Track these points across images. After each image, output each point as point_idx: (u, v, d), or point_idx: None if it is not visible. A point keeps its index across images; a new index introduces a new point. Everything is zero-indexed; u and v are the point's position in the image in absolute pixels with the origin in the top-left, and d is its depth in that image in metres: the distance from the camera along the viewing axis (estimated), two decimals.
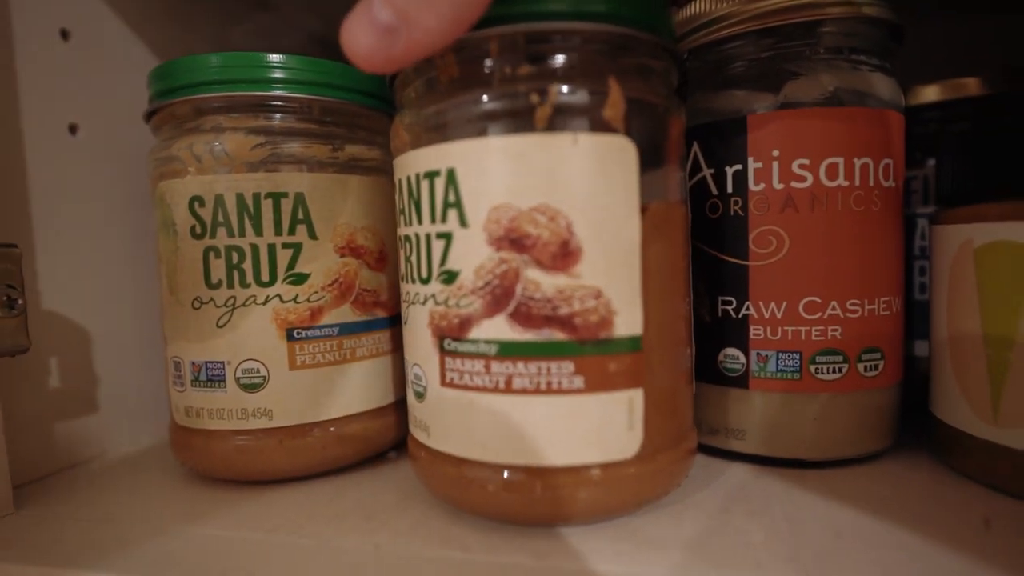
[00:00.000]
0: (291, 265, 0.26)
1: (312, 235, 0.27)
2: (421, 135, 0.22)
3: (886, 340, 0.26)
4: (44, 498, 0.27)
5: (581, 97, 0.20)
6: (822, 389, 0.25)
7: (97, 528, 0.24)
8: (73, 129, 0.31)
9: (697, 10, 0.27)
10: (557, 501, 0.21)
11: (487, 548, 0.21)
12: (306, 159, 0.27)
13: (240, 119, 0.26)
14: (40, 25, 0.30)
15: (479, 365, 0.21)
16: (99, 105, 0.32)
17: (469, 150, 0.20)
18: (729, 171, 0.26)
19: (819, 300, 0.25)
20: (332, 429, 0.27)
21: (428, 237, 0.22)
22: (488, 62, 0.21)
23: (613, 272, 0.20)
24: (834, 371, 0.25)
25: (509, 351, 0.20)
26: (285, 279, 0.26)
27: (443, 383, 0.22)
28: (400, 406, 0.30)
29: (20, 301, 0.25)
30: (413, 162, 0.22)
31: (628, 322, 0.20)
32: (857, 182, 0.25)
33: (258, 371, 0.26)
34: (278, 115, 0.27)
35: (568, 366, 0.20)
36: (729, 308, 0.26)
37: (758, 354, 0.26)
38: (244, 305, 0.26)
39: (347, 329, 0.27)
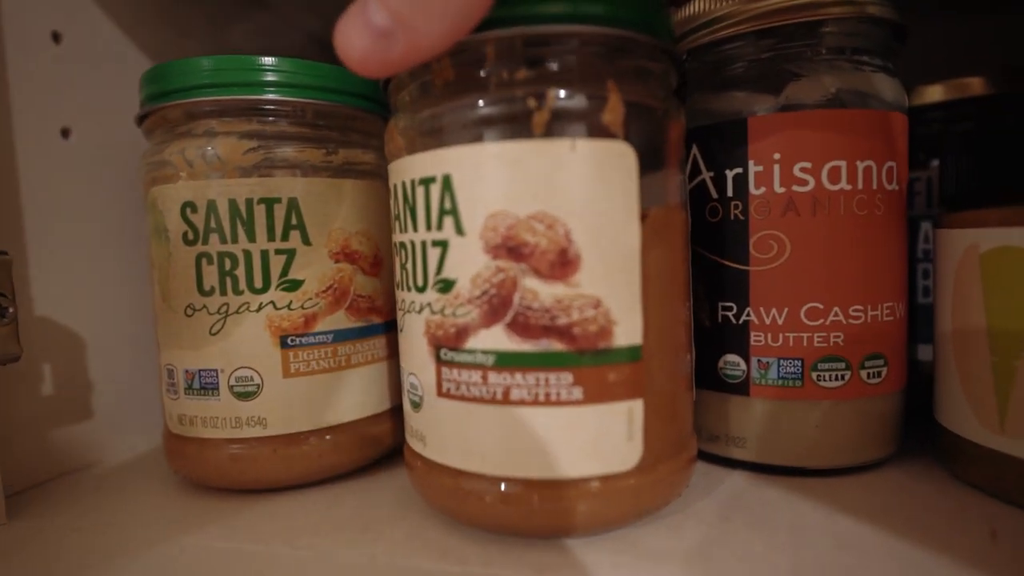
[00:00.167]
0: (285, 271, 0.26)
1: (306, 241, 0.26)
2: (416, 140, 0.22)
3: (889, 346, 0.25)
4: (38, 508, 0.27)
5: (579, 102, 0.20)
6: (824, 396, 0.25)
7: (91, 539, 0.24)
8: (65, 133, 0.31)
9: (696, 10, 0.27)
10: (556, 513, 0.20)
11: (485, 560, 0.21)
12: (299, 163, 0.26)
13: (232, 123, 0.26)
14: (31, 28, 0.29)
15: (476, 376, 0.20)
16: (92, 109, 0.32)
17: (465, 156, 0.20)
18: (729, 174, 0.26)
19: (821, 306, 0.25)
20: (328, 437, 0.27)
21: (424, 245, 0.21)
22: (484, 66, 0.20)
23: (612, 281, 0.20)
24: (836, 378, 0.25)
25: (507, 361, 0.20)
26: (279, 286, 0.26)
27: (440, 393, 0.21)
28: (396, 413, 0.29)
29: (11, 309, 0.24)
30: (408, 167, 0.22)
31: (628, 331, 0.20)
32: (860, 185, 0.25)
33: (252, 379, 0.26)
34: (271, 119, 0.26)
35: (567, 377, 0.20)
36: (729, 314, 0.26)
37: (759, 361, 0.25)
38: (237, 312, 0.26)
39: (342, 336, 0.27)
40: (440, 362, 0.21)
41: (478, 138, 0.20)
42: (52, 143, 0.30)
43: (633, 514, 0.21)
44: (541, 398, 0.20)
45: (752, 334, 0.26)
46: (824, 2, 0.24)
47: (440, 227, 0.21)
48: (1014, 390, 0.22)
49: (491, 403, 0.20)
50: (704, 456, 0.28)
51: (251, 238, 0.25)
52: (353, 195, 0.27)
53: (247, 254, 0.25)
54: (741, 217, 0.25)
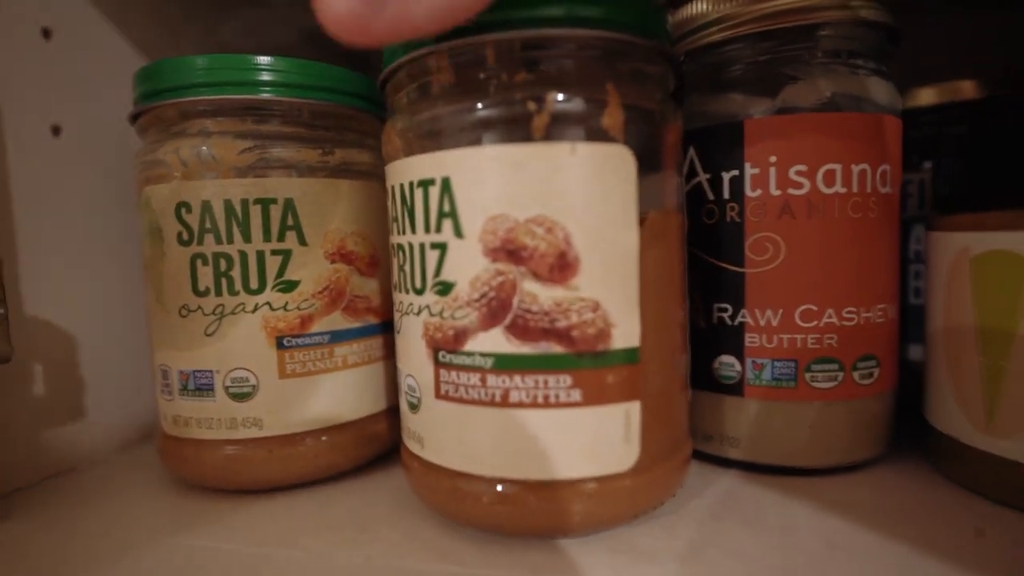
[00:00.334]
0: (281, 272, 0.26)
1: (302, 241, 0.26)
2: (414, 142, 0.22)
3: (881, 347, 0.26)
4: (31, 509, 0.26)
5: (579, 105, 0.20)
6: (817, 397, 0.25)
7: (85, 540, 0.24)
8: (56, 130, 0.30)
9: (693, 12, 0.27)
10: (553, 514, 0.21)
11: (482, 561, 0.21)
12: (295, 164, 0.26)
13: (227, 123, 0.26)
14: (21, 24, 0.29)
15: (475, 378, 0.20)
16: (83, 106, 0.31)
17: (465, 159, 0.20)
18: (726, 176, 0.26)
19: (815, 308, 0.25)
20: (324, 438, 0.27)
21: (422, 247, 0.21)
22: (484, 69, 0.20)
23: (611, 284, 0.20)
24: (830, 379, 0.25)
25: (505, 364, 0.20)
26: (275, 286, 0.26)
27: (438, 395, 0.21)
28: (392, 413, 0.29)
29: (1, 309, 0.24)
30: (406, 169, 0.22)
31: (626, 334, 0.20)
32: (855, 189, 0.25)
33: (247, 380, 0.26)
34: (267, 119, 0.26)
35: (565, 379, 0.20)
36: (725, 315, 0.26)
37: (754, 362, 0.26)
38: (233, 313, 0.25)
39: (338, 336, 0.27)
40: (438, 364, 0.21)
41: (477, 141, 0.20)
42: (43, 141, 0.30)
43: (629, 514, 0.22)
44: (540, 400, 0.20)
45: (747, 335, 0.26)
46: (820, 6, 0.25)
47: (439, 229, 0.21)
48: (1002, 391, 0.22)
49: (490, 405, 0.20)
50: (698, 456, 0.28)
51: (247, 239, 0.25)
52: (349, 196, 0.27)
53: (243, 255, 0.25)
54: (737, 219, 0.26)
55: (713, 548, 0.21)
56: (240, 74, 0.26)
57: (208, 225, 0.25)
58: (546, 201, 0.19)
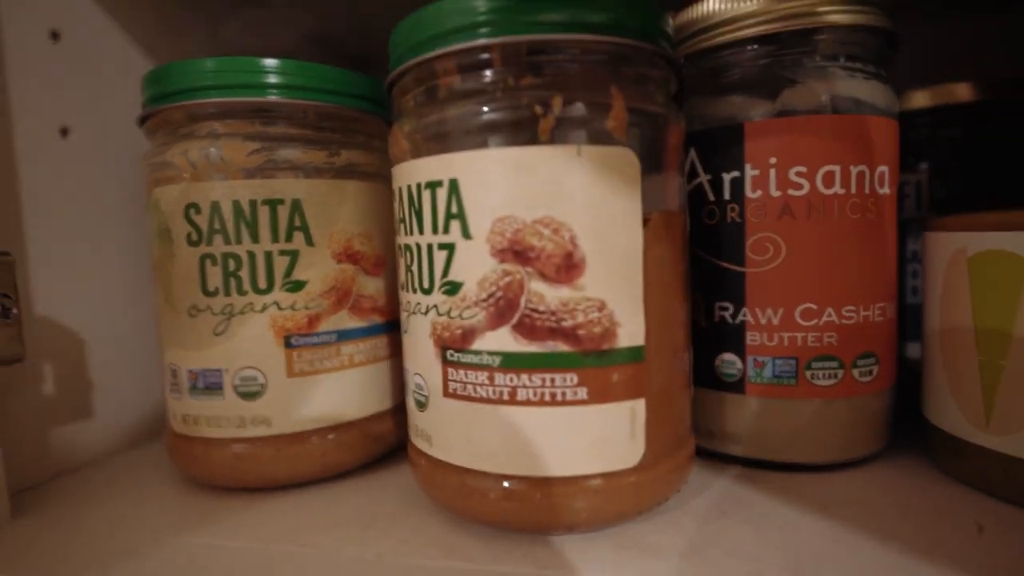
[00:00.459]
0: (288, 272, 0.26)
1: (309, 242, 0.26)
2: (421, 144, 0.22)
3: (880, 345, 0.26)
4: (41, 507, 0.27)
5: (584, 108, 0.20)
6: (818, 395, 0.26)
7: (96, 538, 0.24)
8: (64, 132, 0.31)
9: (694, 16, 0.27)
10: (559, 511, 0.21)
11: (489, 557, 0.21)
12: (303, 165, 0.26)
13: (236, 125, 0.26)
14: (30, 26, 0.29)
15: (483, 376, 0.21)
16: (91, 107, 0.32)
17: (472, 161, 0.20)
18: (726, 178, 0.26)
19: (815, 307, 0.25)
20: (331, 436, 0.27)
21: (430, 247, 0.22)
22: (490, 72, 0.21)
23: (616, 284, 0.20)
24: (830, 377, 0.26)
25: (513, 363, 0.20)
26: (283, 286, 0.26)
27: (446, 393, 0.22)
28: (398, 411, 0.30)
29: (15, 310, 0.24)
30: (414, 171, 0.22)
31: (631, 333, 0.21)
32: (853, 190, 0.25)
33: (256, 379, 0.26)
34: (274, 121, 0.26)
35: (572, 377, 0.20)
36: (726, 314, 0.27)
37: (755, 360, 0.26)
38: (241, 313, 0.26)
39: (345, 335, 0.27)
40: (446, 363, 0.22)
41: (484, 143, 0.21)
42: (51, 142, 0.30)
43: (634, 511, 0.22)
44: (547, 398, 0.20)
45: (748, 334, 0.26)
46: (819, 11, 0.25)
47: (447, 230, 0.21)
48: (1000, 389, 0.23)
49: (497, 403, 0.21)
50: (701, 452, 0.28)
51: (255, 239, 0.26)
52: (355, 196, 0.28)
53: (251, 255, 0.26)
54: (738, 220, 0.26)
55: (717, 544, 0.21)
56: (248, 76, 0.26)
57: (217, 226, 0.26)
58: (553, 203, 0.20)
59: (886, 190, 0.26)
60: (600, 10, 0.20)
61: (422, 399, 0.23)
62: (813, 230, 0.25)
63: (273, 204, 0.26)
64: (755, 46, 0.26)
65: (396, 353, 0.30)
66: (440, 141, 0.21)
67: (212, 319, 0.26)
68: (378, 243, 0.29)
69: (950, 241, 0.25)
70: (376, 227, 0.29)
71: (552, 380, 0.20)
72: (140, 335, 0.34)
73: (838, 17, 0.25)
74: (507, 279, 0.20)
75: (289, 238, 0.26)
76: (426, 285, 0.22)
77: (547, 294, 0.20)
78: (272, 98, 0.26)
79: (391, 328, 0.29)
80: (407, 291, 0.23)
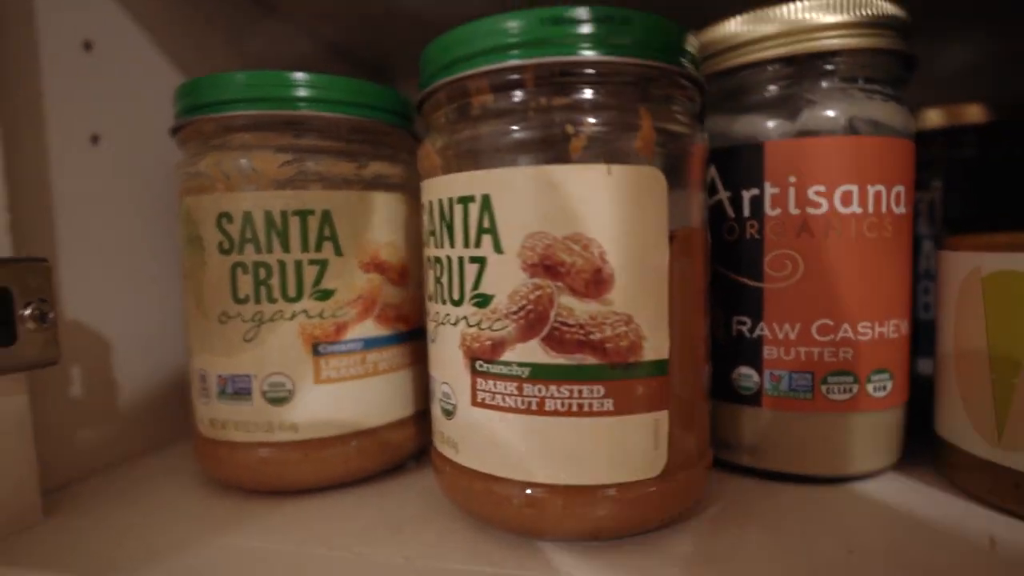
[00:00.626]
0: (317, 281, 0.27)
1: (338, 252, 0.27)
2: (453, 160, 0.23)
3: (894, 361, 0.27)
4: (71, 507, 0.27)
5: (614, 128, 0.21)
6: (833, 409, 0.26)
7: (126, 538, 0.24)
8: (95, 140, 0.31)
9: (715, 36, 0.28)
10: (584, 518, 0.21)
11: (514, 563, 0.22)
12: (332, 177, 0.27)
13: (267, 137, 0.27)
14: (64, 36, 0.30)
15: (512, 387, 0.21)
16: (121, 116, 0.32)
17: (504, 178, 0.21)
18: (746, 195, 0.27)
19: (831, 323, 0.26)
20: (355, 442, 0.28)
21: (461, 260, 0.22)
22: (523, 92, 0.21)
23: (643, 299, 0.21)
24: (845, 391, 0.26)
25: (541, 374, 0.21)
26: (312, 295, 0.27)
27: (474, 403, 0.22)
28: (420, 417, 0.30)
29: (51, 315, 0.25)
30: (445, 186, 0.23)
31: (656, 347, 0.21)
32: (870, 209, 0.26)
33: (284, 385, 0.27)
34: (305, 133, 0.27)
35: (599, 389, 0.21)
36: (744, 328, 0.27)
37: (771, 374, 0.27)
38: (271, 320, 0.26)
39: (371, 343, 0.28)
40: (476, 373, 0.22)
41: (516, 161, 0.21)
42: (83, 150, 0.31)
43: (656, 519, 0.23)
44: (574, 408, 0.21)
45: (765, 348, 0.27)
46: (839, 34, 0.26)
47: (478, 244, 0.22)
48: (1012, 406, 0.23)
49: (525, 413, 0.21)
50: (718, 463, 0.29)
51: (285, 248, 0.26)
52: (382, 207, 0.28)
53: (281, 264, 0.26)
54: (757, 236, 0.27)
55: (738, 553, 0.22)
56: (280, 90, 0.27)
57: (248, 235, 0.26)
58: (583, 220, 0.20)
59: (902, 209, 0.27)
60: (629, 33, 0.21)
61: (449, 407, 0.24)
62: (831, 248, 0.26)
63: (303, 215, 0.26)
64: (776, 67, 0.27)
65: (418, 361, 0.30)
66: (472, 157, 0.22)
67: (242, 326, 0.26)
68: (403, 253, 0.29)
69: (965, 260, 0.25)
70: (401, 238, 0.29)
71: (580, 391, 0.21)
72: (169, 338, 0.34)
73: (857, 40, 0.26)
74: (537, 293, 0.21)
75: (319, 248, 0.27)
76: (456, 297, 0.23)
77: (576, 308, 0.21)
78: (303, 111, 0.27)
79: (414, 337, 0.30)
80: (436, 302, 0.24)
